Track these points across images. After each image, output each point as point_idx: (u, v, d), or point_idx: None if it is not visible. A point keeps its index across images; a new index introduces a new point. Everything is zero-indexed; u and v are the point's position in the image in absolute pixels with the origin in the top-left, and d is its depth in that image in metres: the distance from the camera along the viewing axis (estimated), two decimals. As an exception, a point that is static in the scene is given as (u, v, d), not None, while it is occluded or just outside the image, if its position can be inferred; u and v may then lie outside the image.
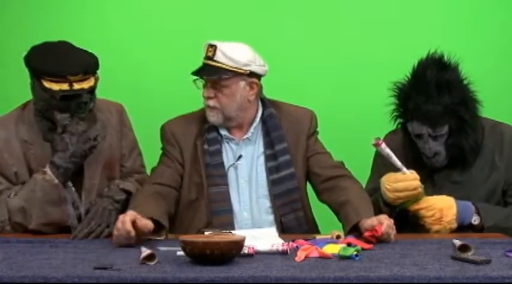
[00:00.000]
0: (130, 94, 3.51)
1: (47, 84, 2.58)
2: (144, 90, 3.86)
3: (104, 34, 3.83)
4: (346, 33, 3.87)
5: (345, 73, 3.86)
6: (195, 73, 2.78)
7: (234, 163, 2.80)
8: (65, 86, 2.58)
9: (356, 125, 3.79)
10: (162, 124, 2.91)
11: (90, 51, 2.71)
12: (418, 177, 2.66)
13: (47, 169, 2.59)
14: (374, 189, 2.85)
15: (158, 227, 2.52)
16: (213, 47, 2.75)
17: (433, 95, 2.68)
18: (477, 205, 2.71)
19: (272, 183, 2.79)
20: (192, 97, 3.65)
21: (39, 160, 2.67)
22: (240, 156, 2.81)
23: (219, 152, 2.80)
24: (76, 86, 2.59)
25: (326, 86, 3.84)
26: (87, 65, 2.63)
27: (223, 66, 2.73)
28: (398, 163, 2.68)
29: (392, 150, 2.80)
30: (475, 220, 2.70)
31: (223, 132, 2.82)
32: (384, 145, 2.68)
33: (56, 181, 2.58)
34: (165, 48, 3.88)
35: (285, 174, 2.79)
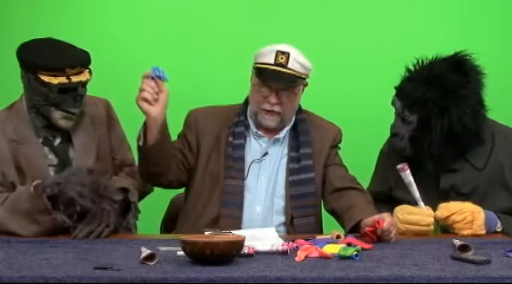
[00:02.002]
0: (128, 93, 3.51)
1: (45, 78, 2.61)
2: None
3: (102, 34, 3.83)
4: (346, 34, 3.87)
5: (345, 73, 3.87)
6: (266, 79, 2.74)
7: (259, 159, 2.82)
8: (63, 79, 2.61)
9: (356, 125, 3.79)
10: (190, 110, 2.94)
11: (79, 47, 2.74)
12: (433, 213, 2.62)
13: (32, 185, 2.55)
14: (375, 193, 2.85)
15: None
16: (285, 54, 2.74)
17: (423, 82, 2.67)
18: (497, 214, 2.68)
19: (290, 184, 2.80)
20: (188, 97, 3.67)
21: (29, 158, 2.67)
22: (266, 153, 2.83)
23: (242, 147, 2.82)
24: (74, 79, 2.62)
25: (326, 86, 3.84)
26: (83, 58, 2.68)
27: (297, 73, 2.75)
28: (417, 194, 2.65)
29: (395, 154, 2.79)
30: (499, 227, 2.66)
31: (254, 129, 2.84)
32: (408, 172, 2.65)
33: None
34: (166, 50, 3.88)
35: (304, 177, 2.81)
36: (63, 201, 2.53)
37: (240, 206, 2.76)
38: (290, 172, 2.81)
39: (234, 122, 2.84)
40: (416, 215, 2.61)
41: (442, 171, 2.74)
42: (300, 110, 2.89)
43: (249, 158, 2.82)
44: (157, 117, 2.56)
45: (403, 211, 2.63)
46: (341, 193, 2.80)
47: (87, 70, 2.68)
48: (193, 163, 2.83)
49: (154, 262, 2.10)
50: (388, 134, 2.95)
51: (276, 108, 2.76)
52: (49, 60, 2.61)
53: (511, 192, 2.74)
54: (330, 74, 3.84)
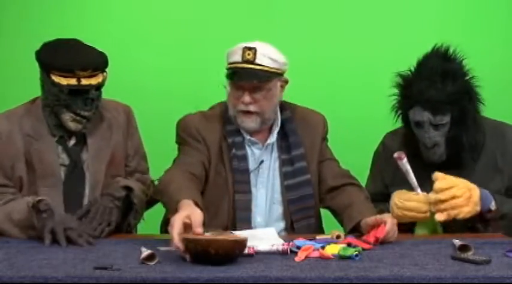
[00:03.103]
0: (131, 94, 3.51)
1: (55, 79, 2.61)
2: (145, 90, 3.87)
3: (106, 34, 3.83)
4: (346, 33, 3.87)
5: (345, 72, 3.87)
6: (235, 79, 2.67)
7: (256, 168, 2.76)
8: (73, 81, 2.60)
9: (356, 124, 3.80)
10: (182, 118, 2.82)
11: (99, 50, 2.72)
12: (429, 199, 2.59)
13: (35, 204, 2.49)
14: (373, 193, 2.84)
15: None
16: (252, 50, 2.66)
17: (437, 81, 2.65)
18: (492, 193, 2.65)
19: (286, 189, 2.75)
20: (192, 97, 3.68)
21: (41, 154, 2.67)
22: (262, 161, 2.77)
23: (245, 157, 2.74)
24: (84, 82, 2.61)
25: (326, 85, 3.84)
26: (96, 61, 2.66)
27: (267, 68, 2.67)
28: (415, 182, 2.63)
29: (391, 151, 2.79)
30: (493, 205, 2.63)
31: (248, 137, 2.76)
32: (405, 161, 2.63)
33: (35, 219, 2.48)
34: (167, 49, 3.89)
35: (300, 180, 2.75)
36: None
37: (249, 221, 2.71)
38: (285, 176, 2.75)
39: (229, 131, 2.75)
40: (413, 202, 2.61)
41: (475, 160, 2.74)
42: (283, 107, 2.82)
43: (250, 169, 2.76)
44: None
45: (400, 197, 2.63)
46: (337, 192, 2.76)
47: (102, 73, 2.66)
48: (208, 168, 2.73)
49: (154, 262, 2.10)
50: (382, 135, 2.96)
51: (252, 108, 2.68)
52: (60, 60, 2.61)
53: (503, 176, 2.75)
54: (329, 74, 3.85)
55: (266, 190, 2.77)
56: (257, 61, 2.65)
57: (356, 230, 2.56)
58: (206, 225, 2.50)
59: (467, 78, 2.72)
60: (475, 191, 2.59)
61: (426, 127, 2.70)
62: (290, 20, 3.87)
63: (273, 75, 2.68)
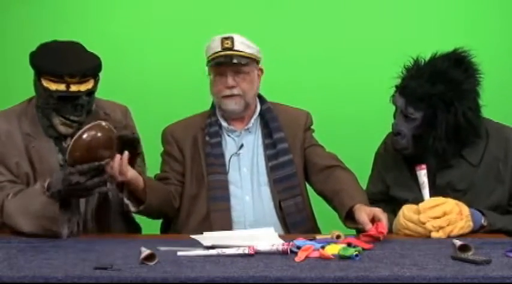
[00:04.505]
0: (132, 95, 3.52)
1: (45, 83, 2.61)
2: (147, 91, 3.86)
3: (108, 35, 3.83)
4: (344, 32, 3.86)
5: (343, 71, 3.86)
6: (220, 64, 2.86)
7: (236, 152, 2.90)
8: (61, 87, 2.60)
9: (354, 123, 3.79)
10: (164, 128, 3.02)
11: (95, 54, 2.71)
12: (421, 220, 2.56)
13: (45, 185, 2.53)
14: (374, 193, 2.85)
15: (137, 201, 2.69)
16: (229, 39, 2.86)
17: (424, 78, 2.66)
18: (479, 209, 2.63)
19: (271, 169, 2.89)
20: (193, 98, 3.67)
21: (40, 152, 2.68)
22: (241, 145, 2.92)
23: (220, 144, 2.91)
24: (73, 88, 2.60)
25: (324, 84, 3.84)
26: (87, 67, 2.63)
27: (244, 53, 2.87)
28: (427, 197, 2.61)
29: (392, 151, 2.79)
30: (484, 221, 2.62)
31: (225, 124, 2.93)
32: (424, 172, 2.64)
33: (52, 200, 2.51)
34: (168, 50, 3.88)
35: (283, 160, 2.90)
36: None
37: (227, 199, 2.83)
38: (269, 158, 2.91)
39: (207, 123, 2.94)
40: (416, 225, 2.56)
41: (441, 167, 2.72)
42: (264, 100, 2.99)
43: (227, 154, 2.91)
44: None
45: (406, 218, 2.57)
46: (327, 174, 2.88)
47: (93, 79, 2.65)
48: (183, 171, 2.92)
49: (154, 262, 2.11)
50: (383, 135, 2.96)
51: (235, 91, 2.87)
52: (49, 66, 2.60)
53: (505, 186, 2.72)
54: (329, 73, 3.84)
55: (251, 172, 2.90)
56: (235, 48, 2.86)
57: (350, 217, 2.61)
58: (188, 212, 2.85)
59: (464, 94, 2.65)
60: (463, 206, 2.58)
61: (398, 114, 2.74)
62: (288, 20, 3.86)
63: (250, 61, 2.89)
